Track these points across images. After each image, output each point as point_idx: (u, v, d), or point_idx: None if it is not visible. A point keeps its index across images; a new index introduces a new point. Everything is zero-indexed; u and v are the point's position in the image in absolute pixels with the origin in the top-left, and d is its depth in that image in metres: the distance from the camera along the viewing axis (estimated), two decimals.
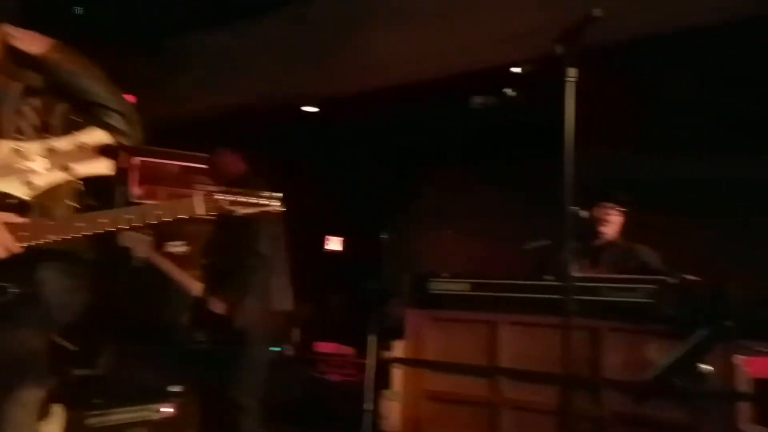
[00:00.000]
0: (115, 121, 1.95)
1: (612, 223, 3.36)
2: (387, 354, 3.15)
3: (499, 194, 5.23)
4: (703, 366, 1.93)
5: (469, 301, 2.83)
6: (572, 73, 1.76)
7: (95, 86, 1.94)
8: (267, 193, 1.95)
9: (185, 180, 4.09)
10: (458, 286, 2.85)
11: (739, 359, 2.31)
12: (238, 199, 1.92)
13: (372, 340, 3.62)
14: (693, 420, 1.99)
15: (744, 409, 2.26)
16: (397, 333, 3.00)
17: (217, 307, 2.97)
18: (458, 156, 5.33)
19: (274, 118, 4.78)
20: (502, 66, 2.78)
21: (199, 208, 1.84)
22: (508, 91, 2.12)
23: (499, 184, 5.24)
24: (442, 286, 2.87)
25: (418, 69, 3.49)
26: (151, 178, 4.09)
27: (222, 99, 4.24)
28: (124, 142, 1.98)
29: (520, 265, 3.54)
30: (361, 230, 4.61)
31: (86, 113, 1.95)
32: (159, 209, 1.91)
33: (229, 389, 3.00)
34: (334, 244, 5.85)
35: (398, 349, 2.93)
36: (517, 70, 2.86)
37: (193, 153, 4.13)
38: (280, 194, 1.97)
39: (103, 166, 1.87)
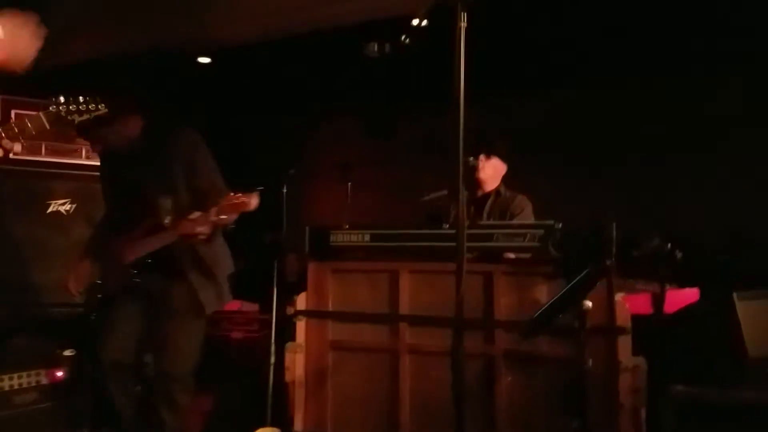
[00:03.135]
0: None
1: (484, 171, 3.46)
2: (290, 307, 3.15)
3: (396, 146, 5.29)
4: (586, 302, 2.05)
5: (369, 251, 2.86)
6: (464, 18, 1.77)
7: None
8: (89, 98, 2.20)
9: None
10: (358, 238, 2.87)
11: (619, 296, 2.49)
12: (71, 108, 2.25)
13: (274, 295, 3.62)
14: (577, 354, 2.11)
15: (623, 342, 2.44)
16: (299, 286, 3.00)
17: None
18: (356, 108, 5.32)
19: (166, 70, 4.57)
20: (396, 13, 2.76)
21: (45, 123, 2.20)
22: (404, 38, 2.11)
23: (396, 135, 5.29)
24: (342, 237, 2.88)
25: (310, 17, 3.42)
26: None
27: (106, 46, 3.98)
28: None
29: (419, 215, 3.60)
30: (259, 185, 4.54)
31: None
32: None
33: (162, 362, 2.85)
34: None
35: (300, 301, 2.93)
36: (414, 21, 2.85)
37: None
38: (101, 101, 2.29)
39: None
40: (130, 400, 2.88)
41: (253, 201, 2.66)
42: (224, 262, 3.01)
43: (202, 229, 2.66)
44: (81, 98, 2.28)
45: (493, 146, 3.49)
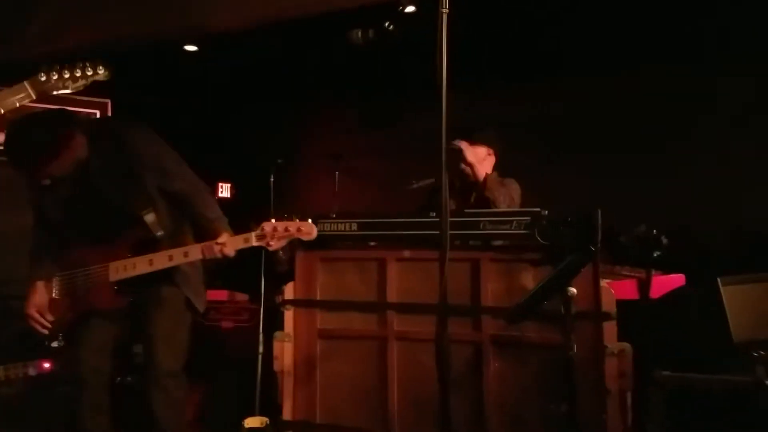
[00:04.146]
0: None
1: (468, 159, 3.45)
2: (278, 297, 3.15)
3: (390, 136, 5.28)
4: (570, 289, 2.06)
5: (357, 240, 2.86)
6: (445, 5, 1.76)
7: None
8: (86, 63, 2.11)
9: None
10: (345, 226, 2.86)
11: (605, 282, 2.51)
12: (64, 75, 2.06)
13: (262, 284, 3.62)
14: (563, 339, 2.12)
15: (609, 327, 2.46)
16: (289, 276, 3.00)
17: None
18: (343, 96, 5.30)
19: (152, 59, 4.54)
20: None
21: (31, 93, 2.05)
22: (388, 25, 2.10)
23: (384, 123, 5.28)
24: (329, 226, 2.87)
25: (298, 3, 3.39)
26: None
27: (91, 36, 3.95)
28: None
29: (407, 203, 3.60)
30: (249, 175, 4.53)
31: None
32: None
33: (158, 359, 2.68)
34: (223, 191, 5.71)
35: (288, 291, 2.93)
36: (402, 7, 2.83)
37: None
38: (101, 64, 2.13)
39: None
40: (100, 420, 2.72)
41: (313, 231, 2.49)
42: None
43: (231, 252, 2.50)
44: (80, 63, 2.08)
45: (477, 133, 3.45)
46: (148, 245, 2.59)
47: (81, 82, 2.10)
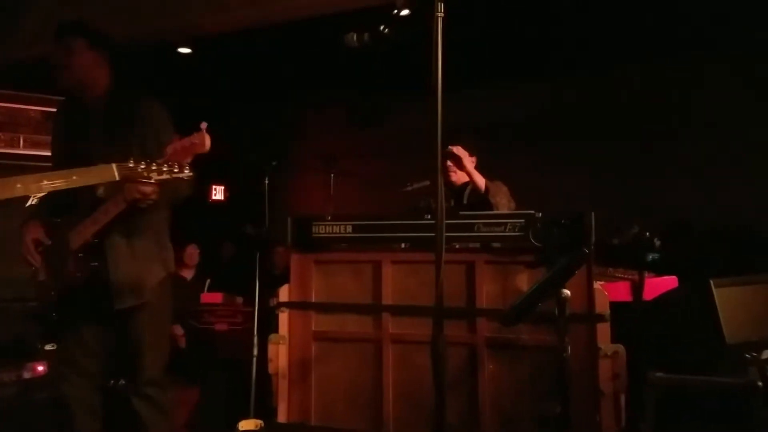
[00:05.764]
0: None
1: (466, 166, 3.46)
2: (273, 299, 3.15)
3: (383, 136, 5.29)
4: (564, 291, 2.06)
5: (352, 242, 2.87)
6: (440, 8, 1.77)
7: None
8: (177, 164, 2.12)
9: (48, 126, 3.79)
10: (340, 228, 2.87)
11: (598, 284, 2.52)
12: (151, 167, 2.09)
13: (257, 286, 3.62)
14: (557, 341, 2.13)
15: (602, 329, 2.47)
16: (284, 278, 3.00)
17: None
18: (338, 97, 5.30)
19: (145, 61, 4.53)
20: (376, 2, 2.76)
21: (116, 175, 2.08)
22: (383, 28, 2.10)
23: (371, 122, 5.29)
24: (324, 228, 2.88)
25: (289, 6, 3.40)
26: (8, 125, 3.76)
27: None
28: None
29: (403, 205, 3.61)
30: (243, 177, 4.53)
31: None
32: (75, 174, 2.10)
33: (142, 368, 2.63)
34: (217, 193, 5.71)
35: (283, 293, 2.92)
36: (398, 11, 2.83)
37: (57, 97, 3.83)
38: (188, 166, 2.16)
39: None
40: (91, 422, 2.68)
41: (206, 140, 2.30)
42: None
43: (149, 189, 2.37)
44: (169, 162, 2.14)
45: (453, 141, 3.46)
46: (95, 205, 2.51)
47: (165, 176, 2.14)
